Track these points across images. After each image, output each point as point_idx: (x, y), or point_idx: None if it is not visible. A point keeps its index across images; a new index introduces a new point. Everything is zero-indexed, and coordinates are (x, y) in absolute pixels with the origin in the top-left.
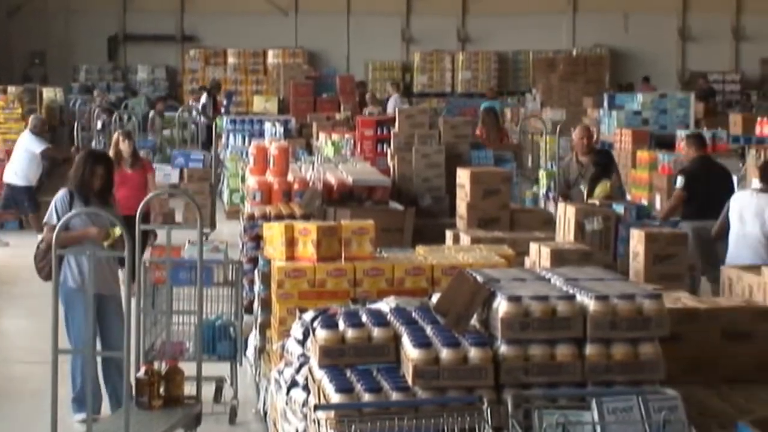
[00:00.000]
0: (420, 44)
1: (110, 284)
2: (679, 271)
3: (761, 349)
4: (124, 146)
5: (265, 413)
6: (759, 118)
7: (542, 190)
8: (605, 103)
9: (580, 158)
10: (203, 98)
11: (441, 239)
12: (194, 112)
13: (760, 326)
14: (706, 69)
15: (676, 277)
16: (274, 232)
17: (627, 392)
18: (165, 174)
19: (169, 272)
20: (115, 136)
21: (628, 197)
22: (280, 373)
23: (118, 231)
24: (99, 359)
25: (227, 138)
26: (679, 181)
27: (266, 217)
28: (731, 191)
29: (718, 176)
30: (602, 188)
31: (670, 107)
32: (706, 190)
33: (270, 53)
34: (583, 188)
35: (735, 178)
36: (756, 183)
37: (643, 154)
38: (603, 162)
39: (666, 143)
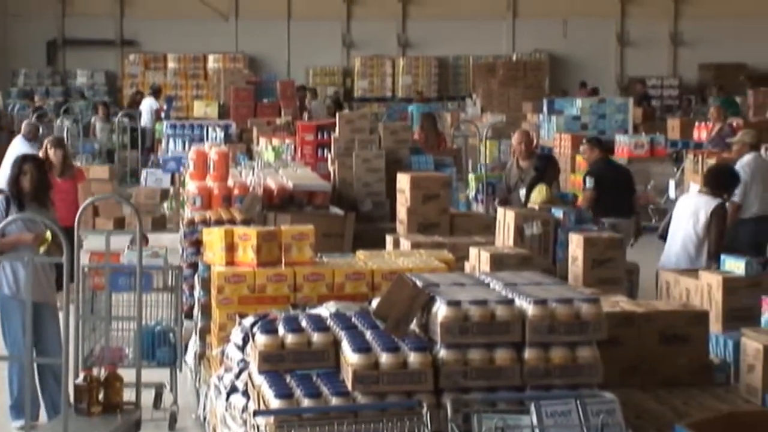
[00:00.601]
0: (360, 49)
1: (45, 291)
2: (618, 275)
3: (698, 352)
4: (53, 154)
5: (205, 419)
6: (696, 123)
7: (471, 194)
8: (545, 108)
9: (521, 163)
10: (151, 101)
11: (381, 244)
12: (144, 116)
13: (696, 329)
14: (644, 74)
15: (615, 281)
16: (213, 238)
17: (565, 396)
18: (156, 179)
19: (108, 278)
20: (45, 143)
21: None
22: (220, 378)
23: (49, 235)
24: (36, 366)
25: (167, 143)
26: (589, 182)
27: (206, 223)
28: (634, 190)
29: (621, 176)
30: (539, 193)
31: (608, 112)
32: (614, 190)
33: (210, 58)
34: (523, 193)
35: (672, 182)
36: (696, 187)
37: (582, 159)
38: (542, 167)
39: (605, 148)
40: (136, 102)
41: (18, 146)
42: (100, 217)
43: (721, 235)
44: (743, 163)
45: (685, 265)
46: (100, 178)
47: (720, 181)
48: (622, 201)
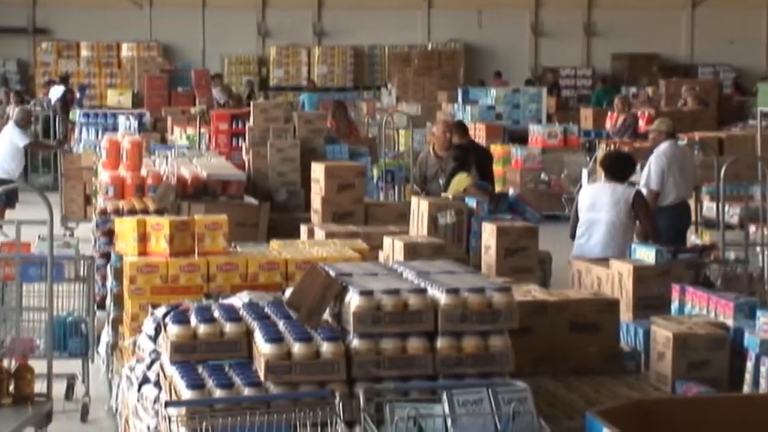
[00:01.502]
0: (276, 38)
1: None
2: (530, 264)
3: (609, 341)
4: None
5: (117, 410)
6: (609, 113)
7: (374, 181)
8: (459, 98)
9: (440, 153)
10: (59, 89)
11: (296, 234)
12: (53, 104)
13: (607, 318)
14: (558, 64)
15: (527, 270)
16: (126, 227)
17: (477, 385)
18: None
19: (18, 268)
20: None
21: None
22: (132, 369)
23: None
24: None
25: (80, 132)
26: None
27: (119, 212)
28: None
29: (483, 156)
30: (458, 182)
31: (522, 102)
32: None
33: (124, 46)
34: (442, 182)
35: (584, 172)
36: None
37: (496, 148)
38: (462, 156)
39: (519, 137)
40: (45, 93)
41: (9, 132)
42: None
43: (652, 216)
44: (660, 152)
45: (613, 253)
46: None
47: (618, 167)
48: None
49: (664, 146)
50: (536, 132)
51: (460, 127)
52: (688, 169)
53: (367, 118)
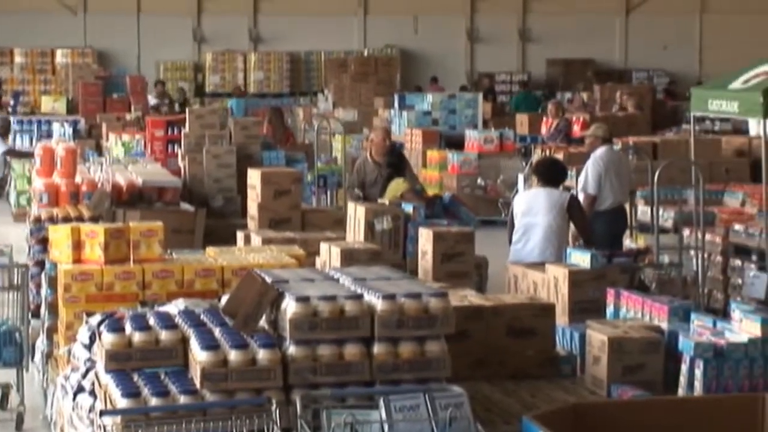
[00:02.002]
0: (212, 44)
1: None
2: (467, 269)
3: (545, 345)
4: None
5: (53, 419)
6: (544, 118)
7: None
8: (396, 104)
9: (378, 159)
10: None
11: (232, 240)
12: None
13: (543, 322)
14: (494, 70)
15: (464, 275)
16: (60, 235)
17: (414, 390)
18: None
19: None
20: None
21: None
22: (67, 378)
23: None
24: None
25: (14, 139)
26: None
27: (53, 220)
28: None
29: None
30: (394, 187)
31: (458, 107)
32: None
33: (59, 53)
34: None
35: (521, 177)
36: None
37: (433, 154)
38: (396, 162)
39: (455, 143)
40: None
41: None
42: None
43: (587, 220)
44: (597, 156)
45: (551, 257)
46: None
47: (552, 173)
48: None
49: (600, 151)
50: (472, 137)
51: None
52: (623, 174)
53: (303, 124)
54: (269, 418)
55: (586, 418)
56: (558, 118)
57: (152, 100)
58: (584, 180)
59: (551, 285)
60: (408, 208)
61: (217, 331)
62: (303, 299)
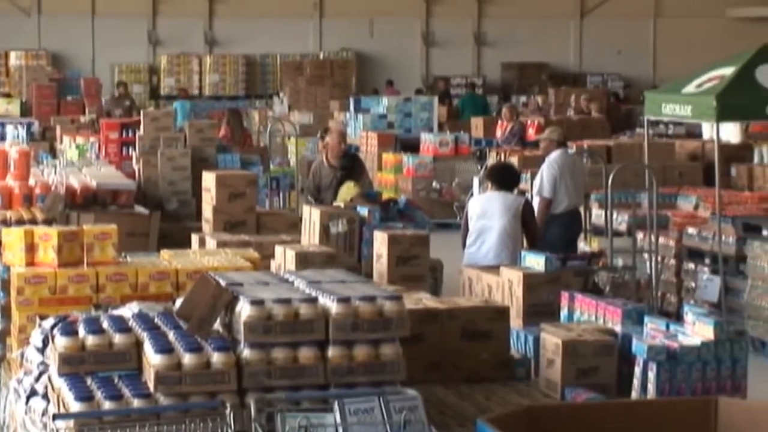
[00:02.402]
0: (167, 46)
1: None
2: (422, 272)
3: (499, 348)
4: None
5: (5, 423)
6: (499, 122)
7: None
8: (351, 107)
9: (333, 162)
10: None
11: (187, 243)
12: None
13: (497, 325)
14: (449, 73)
15: (419, 278)
16: (13, 238)
17: (368, 393)
18: None
19: None
20: None
21: None
22: (20, 381)
23: None
24: None
25: None
26: None
27: (6, 223)
28: None
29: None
30: (347, 191)
31: (414, 111)
32: None
33: (12, 55)
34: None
35: (476, 180)
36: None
37: (388, 157)
38: (349, 165)
39: (411, 146)
40: None
41: None
42: None
43: (537, 227)
44: (551, 160)
45: (506, 260)
46: None
47: (505, 178)
48: None
49: (555, 154)
50: (428, 140)
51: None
52: (578, 177)
53: (259, 127)
54: (223, 421)
55: (540, 420)
56: (512, 122)
57: (106, 105)
58: (540, 183)
59: (506, 288)
60: (363, 211)
61: (171, 335)
62: (257, 302)
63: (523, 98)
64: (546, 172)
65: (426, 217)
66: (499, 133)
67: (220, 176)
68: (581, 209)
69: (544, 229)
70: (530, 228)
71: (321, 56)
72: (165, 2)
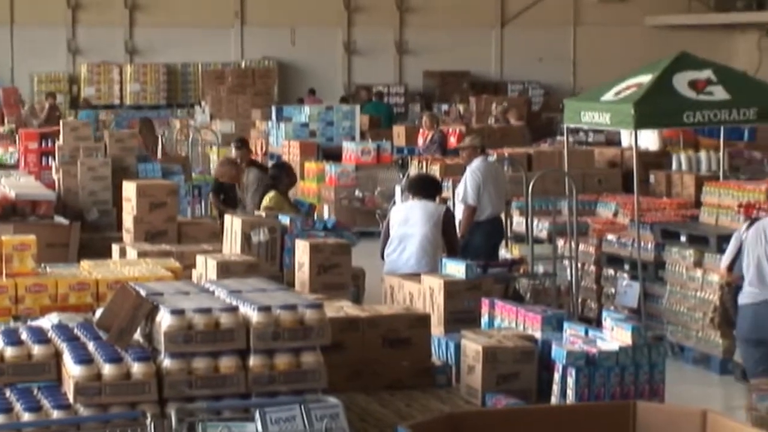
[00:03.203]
0: (87, 56)
1: None
2: (343, 281)
3: (420, 355)
4: None
5: None
6: (421, 130)
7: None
8: (273, 115)
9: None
10: None
11: (107, 254)
12: None
13: (418, 332)
14: (371, 82)
15: (340, 287)
16: None
17: (289, 402)
18: None
19: None
20: None
21: None
22: None
23: None
24: None
25: None
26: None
27: None
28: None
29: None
30: (268, 199)
31: (336, 119)
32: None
33: None
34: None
35: (398, 188)
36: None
37: (311, 166)
38: (274, 174)
39: (333, 155)
40: None
41: None
42: None
43: (457, 237)
44: (474, 168)
45: (427, 267)
46: None
47: (425, 189)
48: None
49: (477, 162)
50: (350, 149)
51: (244, 145)
52: (500, 185)
53: (180, 136)
54: None
55: (461, 427)
56: (432, 130)
57: (31, 119)
58: (463, 191)
59: (427, 295)
60: (285, 220)
61: (90, 345)
62: (178, 312)
63: (444, 106)
64: (469, 179)
65: (354, 237)
66: (420, 141)
67: (141, 186)
68: (503, 216)
69: (467, 237)
70: (449, 236)
71: (242, 65)
72: (85, 11)
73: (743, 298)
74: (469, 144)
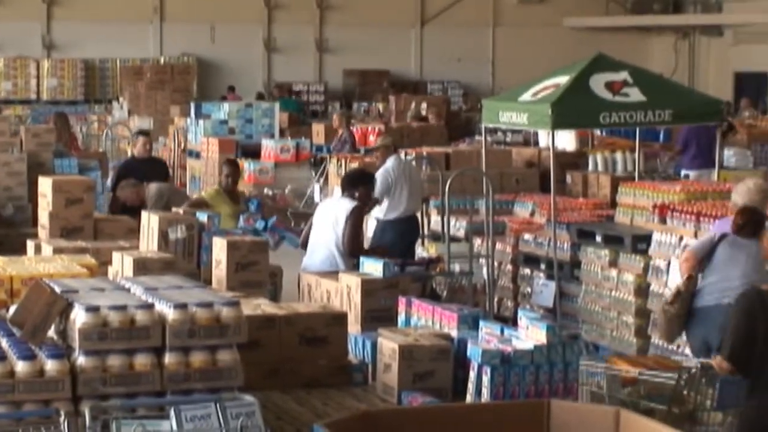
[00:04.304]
0: (3, 50)
1: None
2: (261, 279)
3: (337, 353)
4: None
5: None
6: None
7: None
8: (192, 112)
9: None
10: None
11: (23, 250)
12: None
13: (335, 331)
14: (291, 79)
15: (258, 284)
16: None
17: (205, 400)
18: None
19: None
20: None
21: None
22: None
23: None
24: None
25: None
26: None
27: None
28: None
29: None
30: (206, 193)
31: (255, 117)
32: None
33: None
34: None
35: (317, 186)
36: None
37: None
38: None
39: (252, 152)
40: None
41: None
42: None
43: (356, 234)
44: (387, 167)
45: (331, 267)
46: None
47: (353, 183)
48: None
49: (390, 161)
50: (269, 147)
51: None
52: (415, 183)
53: (99, 132)
54: (57, 430)
55: (376, 425)
56: (342, 129)
57: None
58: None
59: (344, 293)
60: (203, 217)
61: (4, 342)
62: (93, 309)
63: (364, 105)
64: (380, 178)
65: (296, 239)
66: (335, 141)
67: (57, 182)
68: (418, 215)
69: (380, 235)
70: (348, 233)
71: (161, 61)
72: (1, 5)
73: (703, 302)
74: (381, 144)
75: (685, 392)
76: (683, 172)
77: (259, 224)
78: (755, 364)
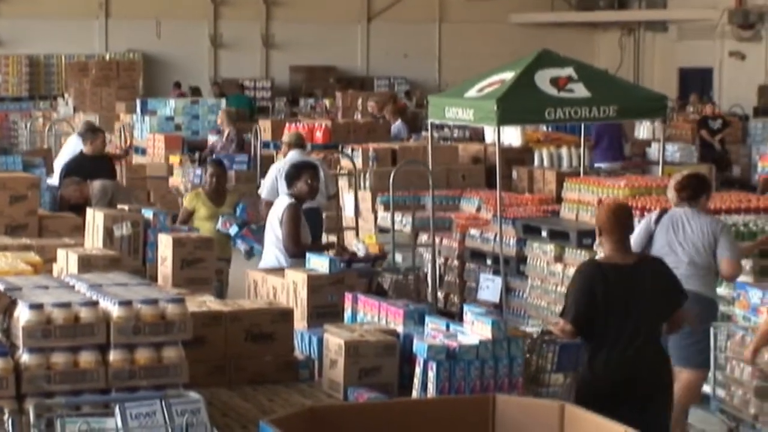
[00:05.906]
0: None
1: None
2: (207, 275)
3: (283, 349)
4: None
5: None
6: (287, 124)
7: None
8: (138, 108)
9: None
10: None
11: None
12: None
13: (281, 327)
14: (238, 76)
15: (204, 281)
16: None
17: (150, 397)
18: None
19: None
20: None
21: None
22: None
23: None
24: None
25: None
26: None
27: None
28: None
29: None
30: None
31: (202, 113)
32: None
33: None
34: None
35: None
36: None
37: (175, 159)
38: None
39: (198, 148)
40: None
41: None
42: None
43: (292, 233)
44: (275, 165)
45: (285, 263)
46: None
47: (289, 180)
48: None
49: (289, 156)
50: (214, 143)
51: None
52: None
53: (44, 129)
54: (1, 428)
55: (322, 421)
56: (229, 128)
57: None
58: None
59: (290, 290)
60: (148, 213)
61: None
62: (36, 306)
63: (311, 101)
64: (268, 175)
65: (259, 247)
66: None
67: (1, 178)
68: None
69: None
70: (284, 230)
71: (107, 57)
72: None
73: None
74: (286, 141)
75: (527, 356)
76: (596, 165)
77: (233, 230)
78: (596, 329)
